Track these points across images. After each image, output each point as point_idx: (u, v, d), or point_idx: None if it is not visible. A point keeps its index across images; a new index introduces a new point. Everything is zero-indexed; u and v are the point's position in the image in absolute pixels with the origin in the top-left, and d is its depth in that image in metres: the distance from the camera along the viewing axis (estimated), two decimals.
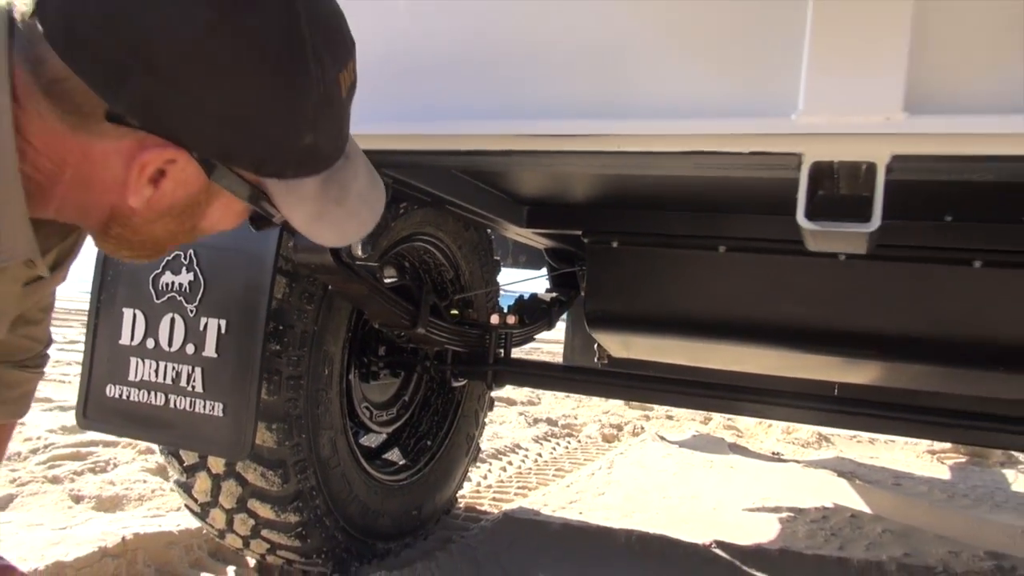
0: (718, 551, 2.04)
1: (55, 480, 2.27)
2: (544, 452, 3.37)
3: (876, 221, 0.92)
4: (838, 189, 0.96)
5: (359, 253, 1.34)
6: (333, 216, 0.78)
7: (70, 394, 3.55)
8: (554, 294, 2.32)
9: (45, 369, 1.12)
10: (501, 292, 2.34)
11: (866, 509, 2.59)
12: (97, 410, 1.47)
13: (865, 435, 4.21)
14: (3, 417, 1.08)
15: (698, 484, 2.90)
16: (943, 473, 3.61)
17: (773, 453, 3.89)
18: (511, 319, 1.94)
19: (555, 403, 4.82)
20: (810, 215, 0.96)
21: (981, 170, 0.95)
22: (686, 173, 1.11)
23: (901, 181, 0.93)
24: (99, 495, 2.16)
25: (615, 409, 4.69)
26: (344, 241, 0.85)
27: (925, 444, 4.04)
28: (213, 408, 1.38)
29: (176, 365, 1.41)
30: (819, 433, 4.18)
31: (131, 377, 1.44)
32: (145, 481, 2.31)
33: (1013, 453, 3.69)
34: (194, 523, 1.77)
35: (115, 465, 2.48)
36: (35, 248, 0.73)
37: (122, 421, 1.47)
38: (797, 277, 1.75)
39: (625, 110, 1.00)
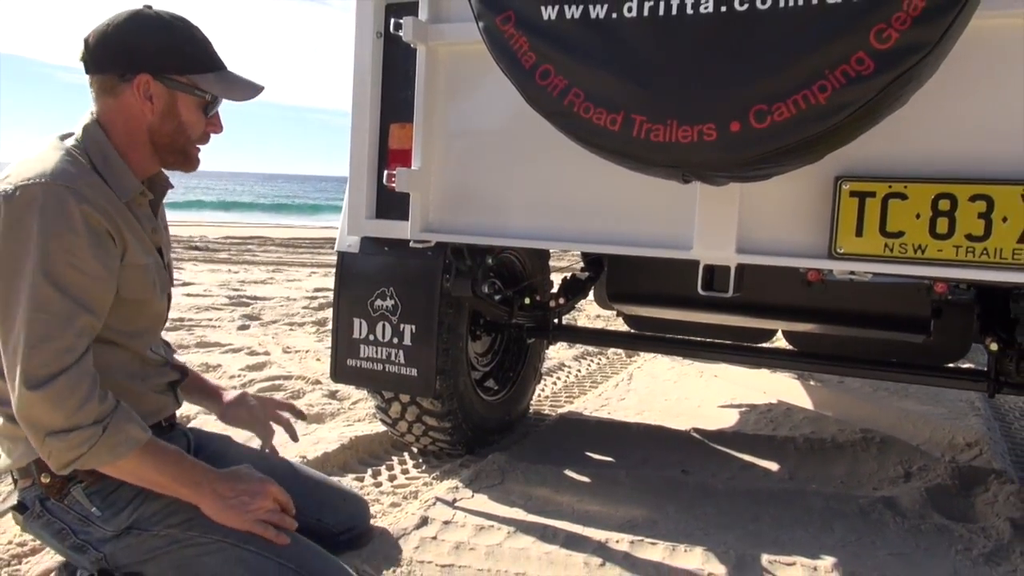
0: (694, 434, 3.30)
1: None
2: (582, 368, 4.63)
3: (730, 292, 2.10)
4: (715, 275, 2.14)
5: (485, 291, 2.55)
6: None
7: (250, 342, 4.90)
8: (587, 272, 3.51)
9: None
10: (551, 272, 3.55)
11: (800, 403, 3.82)
12: (342, 372, 2.72)
13: None
14: None
15: (690, 389, 4.15)
16: None
17: None
18: (561, 300, 3.15)
19: (588, 324, 6.07)
20: (703, 288, 2.14)
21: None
22: None
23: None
24: (307, 413, 3.46)
25: None
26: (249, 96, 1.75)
27: None
28: (411, 371, 2.61)
29: (387, 349, 2.64)
30: None
31: (361, 355, 2.69)
32: (329, 403, 3.62)
33: None
34: (380, 428, 3.06)
35: (303, 392, 3.79)
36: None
37: (357, 378, 2.73)
38: None
39: (613, 239, 2.18)
